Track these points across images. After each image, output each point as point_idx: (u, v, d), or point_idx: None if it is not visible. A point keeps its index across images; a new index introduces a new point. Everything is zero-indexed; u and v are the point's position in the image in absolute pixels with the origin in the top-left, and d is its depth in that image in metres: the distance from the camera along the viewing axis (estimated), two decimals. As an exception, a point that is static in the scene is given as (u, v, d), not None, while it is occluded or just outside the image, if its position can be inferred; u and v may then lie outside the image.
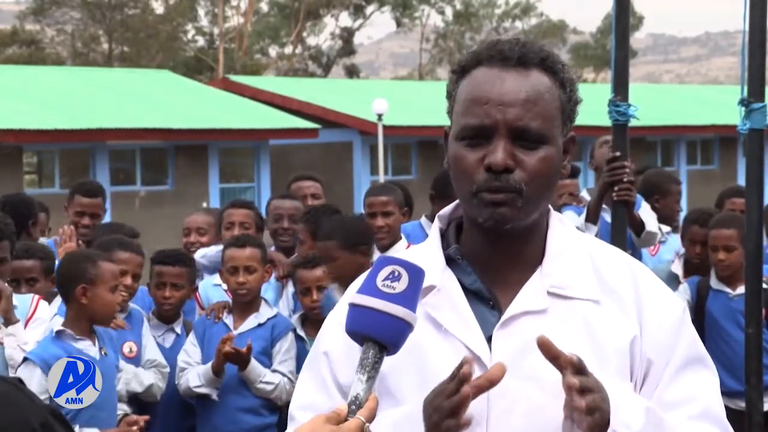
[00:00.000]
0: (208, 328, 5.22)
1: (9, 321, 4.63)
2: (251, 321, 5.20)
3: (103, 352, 4.53)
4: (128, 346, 5.00)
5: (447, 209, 2.25)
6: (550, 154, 2.09)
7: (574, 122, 2.18)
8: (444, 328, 2.09)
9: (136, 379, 4.94)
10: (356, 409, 1.87)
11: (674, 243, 6.65)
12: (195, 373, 5.11)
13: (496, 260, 2.14)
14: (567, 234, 2.18)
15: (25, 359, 4.40)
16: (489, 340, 2.08)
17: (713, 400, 2.13)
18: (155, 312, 5.39)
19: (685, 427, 2.07)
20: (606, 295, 2.12)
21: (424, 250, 2.20)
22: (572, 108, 2.15)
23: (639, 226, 5.81)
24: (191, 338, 5.24)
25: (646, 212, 5.98)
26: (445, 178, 5.98)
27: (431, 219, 5.53)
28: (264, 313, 5.23)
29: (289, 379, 5.11)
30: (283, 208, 6.08)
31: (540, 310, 2.09)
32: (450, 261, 2.16)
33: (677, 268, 6.17)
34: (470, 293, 2.13)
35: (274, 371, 5.14)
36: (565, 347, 2.05)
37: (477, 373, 2.05)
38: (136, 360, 5.00)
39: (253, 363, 5.06)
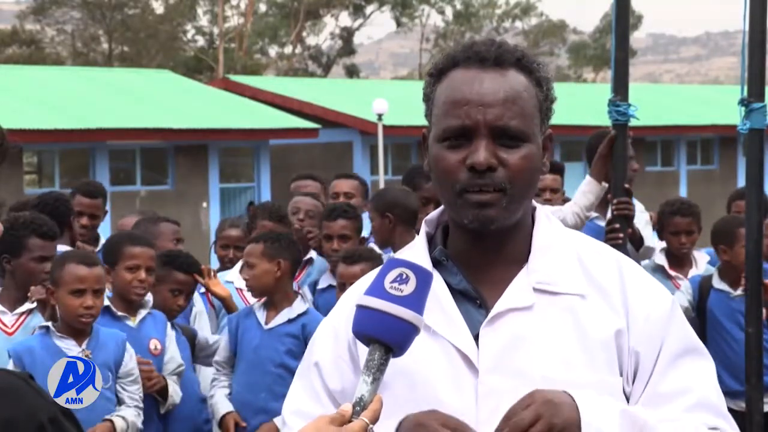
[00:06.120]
0: (241, 321, 5.12)
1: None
2: (283, 316, 5.02)
3: (84, 355, 4.48)
4: (153, 344, 4.99)
5: (434, 213, 2.27)
6: (532, 151, 2.11)
7: (551, 120, 2.20)
8: (432, 329, 2.09)
9: (176, 394, 4.96)
10: (360, 410, 1.88)
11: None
12: (217, 406, 5.13)
13: (481, 259, 2.16)
14: (553, 230, 2.19)
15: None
16: (477, 338, 2.09)
17: (709, 388, 2.12)
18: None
19: (680, 422, 2.06)
20: (592, 289, 2.12)
21: (411, 253, 2.20)
22: (549, 106, 2.18)
23: (638, 240, 5.79)
24: (224, 338, 5.20)
25: (642, 224, 5.97)
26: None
27: None
28: (297, 308, 5.02)
29: None
30: (302, 203, 6.15)
31: (526, 307, 2.10)
32: (437, 263, 2.18)
33: (661, 259, 6.19)
34: (457, 293, 2.14)
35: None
36: (552, 342, 2.07)
37: (466, 372, 2.07)
38: (159, 358, 4.98)
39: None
